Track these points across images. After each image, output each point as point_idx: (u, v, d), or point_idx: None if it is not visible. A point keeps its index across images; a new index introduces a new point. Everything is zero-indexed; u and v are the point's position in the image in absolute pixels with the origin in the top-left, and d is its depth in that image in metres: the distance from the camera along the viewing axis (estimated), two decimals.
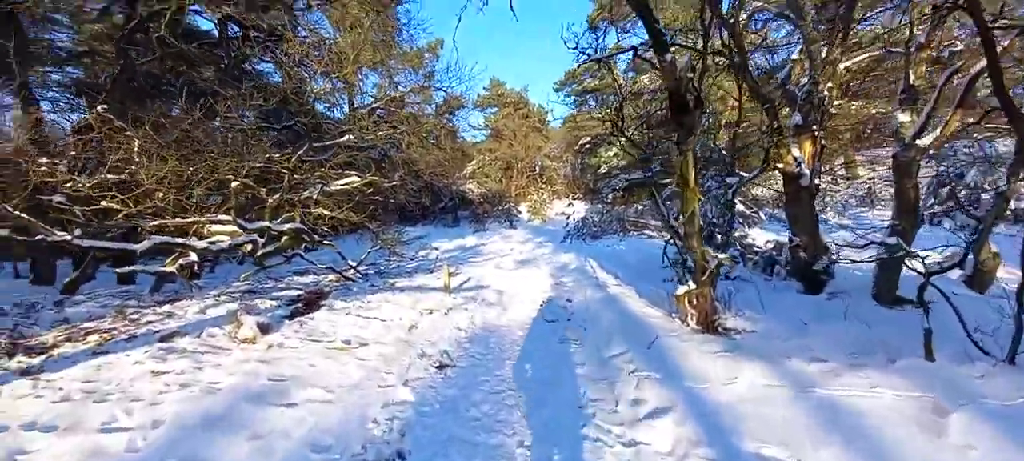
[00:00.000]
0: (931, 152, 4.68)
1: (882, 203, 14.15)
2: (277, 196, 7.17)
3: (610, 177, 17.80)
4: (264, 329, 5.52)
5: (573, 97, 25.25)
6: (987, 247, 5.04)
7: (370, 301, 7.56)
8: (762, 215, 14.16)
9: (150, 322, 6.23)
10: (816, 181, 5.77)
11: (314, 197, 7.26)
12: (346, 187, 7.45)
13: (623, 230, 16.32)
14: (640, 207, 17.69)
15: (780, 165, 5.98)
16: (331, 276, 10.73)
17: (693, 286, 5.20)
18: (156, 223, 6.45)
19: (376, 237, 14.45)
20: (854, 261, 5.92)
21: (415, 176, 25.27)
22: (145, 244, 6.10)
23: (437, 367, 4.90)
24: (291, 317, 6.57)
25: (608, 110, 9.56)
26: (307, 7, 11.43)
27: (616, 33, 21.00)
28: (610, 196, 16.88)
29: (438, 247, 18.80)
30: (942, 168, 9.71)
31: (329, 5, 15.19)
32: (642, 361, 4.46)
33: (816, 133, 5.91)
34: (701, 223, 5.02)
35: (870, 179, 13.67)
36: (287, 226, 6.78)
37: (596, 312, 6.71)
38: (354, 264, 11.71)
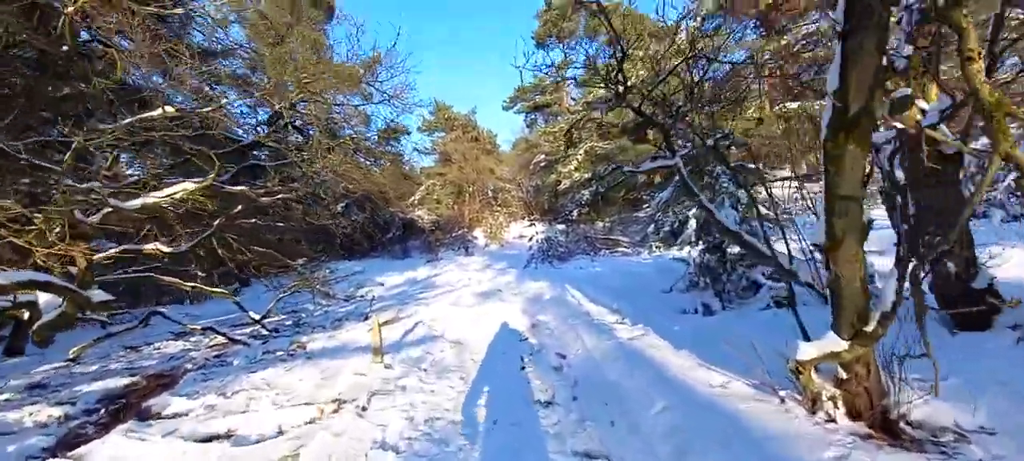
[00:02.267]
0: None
1: None
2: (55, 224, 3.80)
3: (572, 192, 15.35)
4: None
5: (524, 113, 22.98)
6: None
7: (238, 390, 4.25)
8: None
9: None
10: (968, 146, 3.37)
11: (93, 220, 3.87)
12: (168, 200, 4.20)
13: (593, 249, 13.79)
14: (607, 222, 15.32)
15: (897, 124, 3.53)
16: (218, 340, 7.20)
17: (840, 345, 2.47)
18: None
19: (298, 277, 11.00)
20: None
21: (356, 205, 21.88)
22: None
23: None
24: (53, 455, 3.17)
25: (598, 80, 6.76)
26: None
27: (563, 50, 18.54)
28: (574, 212, 14.38)
29: (384, 282, 15.41)
30: None
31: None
32: None
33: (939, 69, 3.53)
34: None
35: None
36: (13, 278, 3.29)
37: (619, 385, 3.84)
38: (257, 317, 8.23)
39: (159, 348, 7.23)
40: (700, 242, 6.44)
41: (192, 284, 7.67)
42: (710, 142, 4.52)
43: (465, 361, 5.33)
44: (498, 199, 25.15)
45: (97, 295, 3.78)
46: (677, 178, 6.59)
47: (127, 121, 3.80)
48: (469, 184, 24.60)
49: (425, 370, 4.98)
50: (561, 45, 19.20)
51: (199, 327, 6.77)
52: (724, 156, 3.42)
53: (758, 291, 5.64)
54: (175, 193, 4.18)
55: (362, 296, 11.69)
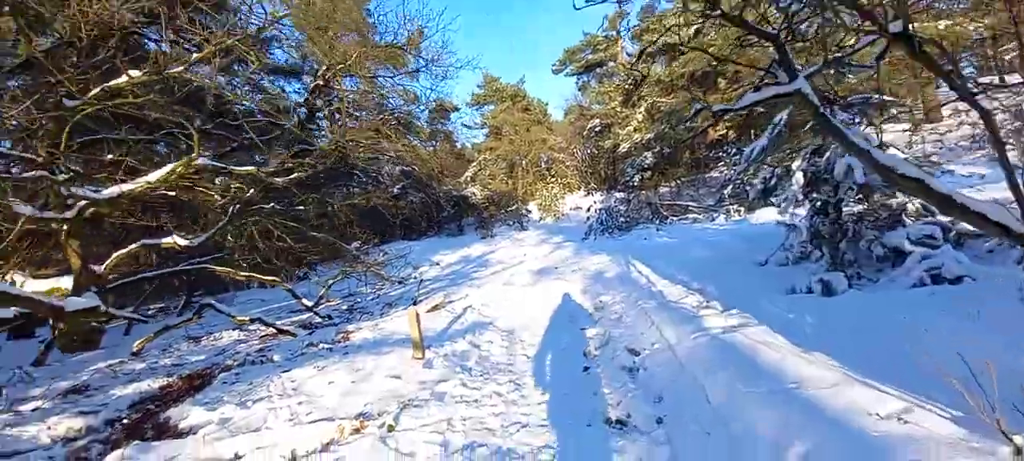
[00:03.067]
0: None
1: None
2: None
3: (632, 156, 13.77)
4: None
5: (575, 75, 21.23)
6: None
7: (261, 398, 3.73)
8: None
9: None
10: None
11: (67, 215, 3.36)
12: (147, 186, 3.65)
13: (658, 217, 12.29)
14: (673, 186, 13.64)
15: None
16: (268, 330, 6.97)
17: None
18: None
19: (352, 261, 10.85)
20: None
21: (412, 185, 21.84)
22: None
23: None
24: None
25: None
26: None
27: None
28: (636, 178, 12.89)
29: (439, 261, 15.07)
30: None
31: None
32: None
33: None
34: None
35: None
36: None
37: (723, 404, 2.76)
38: (309, 304, 7.99)
39: (217, 339, 7.17)
40: (807, 200, 4.97)
41: (246, 274, 7.53)
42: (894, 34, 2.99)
43: (517, 357, 4.48)
44: (552, 170, 23.89)
45: (74, 303, 3.38)
46: (779, 121, 5.12)
47: (93, 93, 3.26)
48: (521, 157, 23.55)
49: (470, 369, 4.20)
50: None
51: (248, 318, 6.54)
52: (930, 59, 2.10)
53: (900, 261, 4.15)
54: (154, 178, 3.65)
55: (416, 277, 11.28)
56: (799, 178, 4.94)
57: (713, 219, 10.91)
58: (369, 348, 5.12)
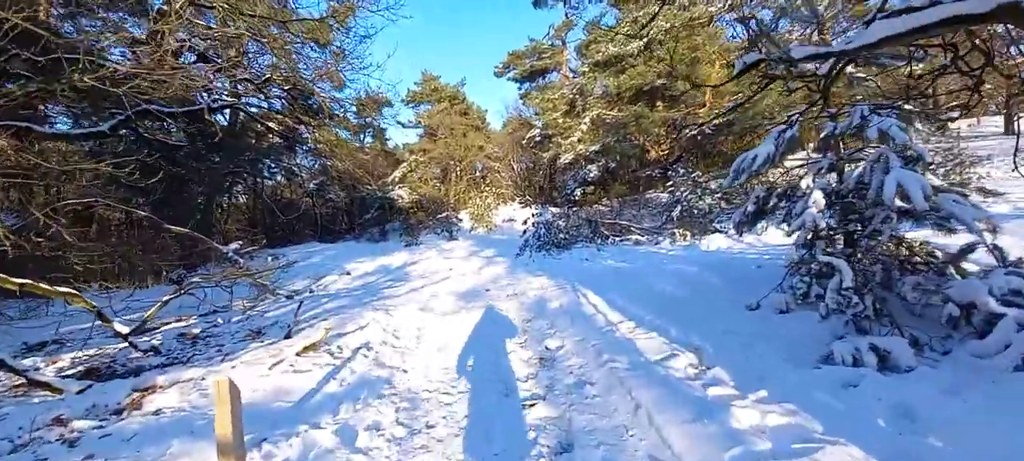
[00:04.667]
0: None
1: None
2: None
3: (574, 168, 12.38)
4: None
5: (517, 81, 19.70)
6: None
7: None
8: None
9: None
10: None
11: None
12: None
13: (598, 236, 10.93)
14: (612, 205, 12.45)
15: None
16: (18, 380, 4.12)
17: None
18: None
19: (229, 266, 8.08)
20: None
21: (333, 182, 18.83)
22: None
23: None
24: None
25: None
26: None
27: (565, 8, 15.01)
28: (577, 192, 11.47)
29: (352, 270, 12.32)
30: None
31: None
32: None
33: None
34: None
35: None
36: None
37: None
38: (125, 330, 5.16)
39: None
40: (825, 224, 3.56)
41: (20, 282, 4.60)
42: None
43: None
44: (487, 179, 22.06)
45: None
46: (793, 123, 3.69)
47: None
48: (456, 162, 21.43)
49: None
50: (563, 2, 15.98)
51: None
52: None
53: (968, 324, 2.84)
54: None
55: (311, 291, 8.65)
56: (817, 199, 3.54)
57: (657, 243, 9.75)
58: (149, 439, 2.74)
